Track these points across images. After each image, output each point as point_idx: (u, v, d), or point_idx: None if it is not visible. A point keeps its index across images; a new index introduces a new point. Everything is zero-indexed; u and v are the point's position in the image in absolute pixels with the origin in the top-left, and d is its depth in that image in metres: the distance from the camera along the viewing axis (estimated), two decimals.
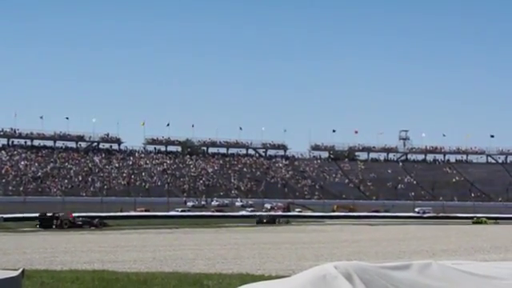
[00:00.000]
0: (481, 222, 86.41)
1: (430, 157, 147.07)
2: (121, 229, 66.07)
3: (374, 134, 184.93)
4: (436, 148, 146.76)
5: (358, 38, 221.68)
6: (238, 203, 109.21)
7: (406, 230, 67.04)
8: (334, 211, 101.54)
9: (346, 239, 49.33)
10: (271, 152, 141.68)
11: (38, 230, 63.78)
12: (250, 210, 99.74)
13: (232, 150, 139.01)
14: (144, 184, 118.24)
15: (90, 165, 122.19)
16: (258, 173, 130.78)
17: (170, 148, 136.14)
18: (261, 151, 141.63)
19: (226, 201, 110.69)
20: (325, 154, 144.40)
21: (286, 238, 49.80)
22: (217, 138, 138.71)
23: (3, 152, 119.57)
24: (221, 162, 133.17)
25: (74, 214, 74.02)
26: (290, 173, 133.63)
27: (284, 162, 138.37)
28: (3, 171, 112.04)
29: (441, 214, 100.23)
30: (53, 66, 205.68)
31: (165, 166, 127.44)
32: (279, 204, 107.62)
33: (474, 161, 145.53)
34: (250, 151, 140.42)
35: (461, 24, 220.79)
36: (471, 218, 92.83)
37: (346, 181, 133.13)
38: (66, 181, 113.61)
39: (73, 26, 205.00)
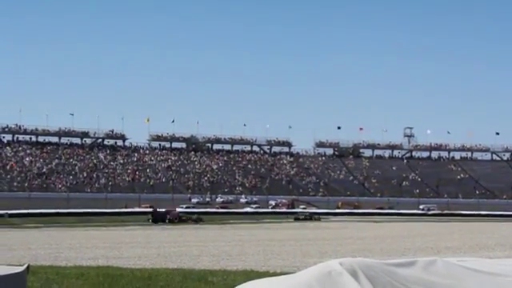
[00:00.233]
0: None
1: (434, 154, 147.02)
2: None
3: (378, 130, 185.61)
4: (441, 145, 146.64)
5: (362, 35, 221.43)
6: (243, 200, 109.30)
7: (411, 227, 67.05)
8: (338, 208, 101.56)
9: (350, 236, 49.31)
10: (276, 149, 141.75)
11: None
12: (254, 206, 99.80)
13: (237, 147, 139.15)
14: (149, 180, 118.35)
15: (94, 161, 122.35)
16: (263, 169, 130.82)
17: (175, 144, 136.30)
18: (265, 148, 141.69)
19: (231, 197, 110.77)
20: (329, 151, 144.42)
21: (290, 235, 49.79)
22: (221, 135, 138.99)
23: (8, 148, 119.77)
24: (225, 158, 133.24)
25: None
26: (295, 169, 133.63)
27: (288, 158, 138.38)
28: (8, 167, 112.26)
29: (445, 211, 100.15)
30: (58, 62, 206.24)
31: (169, 163, 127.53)
32: (284, 201, 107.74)
33: (479, 158, 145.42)
34: (255, 148, 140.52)
35: (466, 21, 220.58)
36: (476, 215, 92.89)
37: (351, 178, 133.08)
38: (71, 177, 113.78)
39: (78, 23, 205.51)
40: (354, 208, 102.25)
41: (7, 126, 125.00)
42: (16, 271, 6.78)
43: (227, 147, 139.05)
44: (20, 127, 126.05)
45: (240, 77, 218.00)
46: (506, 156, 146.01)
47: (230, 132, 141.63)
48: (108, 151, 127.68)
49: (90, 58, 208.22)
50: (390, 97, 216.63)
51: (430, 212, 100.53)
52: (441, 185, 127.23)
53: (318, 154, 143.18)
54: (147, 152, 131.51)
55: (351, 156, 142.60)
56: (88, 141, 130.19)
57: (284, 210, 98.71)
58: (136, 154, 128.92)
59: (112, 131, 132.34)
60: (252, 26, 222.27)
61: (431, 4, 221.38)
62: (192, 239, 44.09)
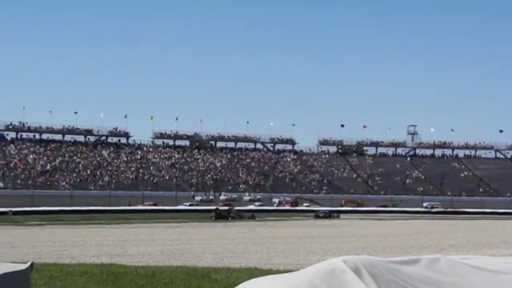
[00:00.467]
0: None
1: (438, 152, 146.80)
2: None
3: (382, 128, 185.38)
4: (444, 143, 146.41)
5: (366, 33, 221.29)
6: (246, 197, 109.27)
7: (414, 224, 67.05)
8: (341, 206, 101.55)
9: (354, 234, 49.33)
10: (279, 146, 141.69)
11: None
12: (258, 204, 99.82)
13: (240, 145, 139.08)
14: (152, 178, 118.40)
15: (98, 159, 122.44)
16: (266, 167, 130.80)
17: (179, 142, 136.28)
18: (269, 146, 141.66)
19: (234, 195, 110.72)
20: (333, 149, 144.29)
21: (293, 233, 49.82)
22: (225, 133, 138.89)
23: (12, 145, 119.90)
24: (229, 156, 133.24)
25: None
26: (298, 167, 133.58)
27: (292, 156, 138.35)
28: (12, 165, 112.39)
29: (449, 209, 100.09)
30: (61, 60, 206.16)
31: (173, 160, 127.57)
32: (287, 198, 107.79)
33: (483, 156, 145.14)
34: (258, 145, 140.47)
35: (469, 19, 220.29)
36: (480, 213, 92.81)
37: (354, 175, 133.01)
38: (75, 175, 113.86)
39: (81, 21, 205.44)
40: (358, 206, 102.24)
41: (11, 124, 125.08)
42: (20, 269, 6.80)
43: (231, 145, 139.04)
44: (24, 125, 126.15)
45: (243, 75, 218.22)
46: (510, 154, 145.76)
47: (233, 130, 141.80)
48: (111, 149, 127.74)
49: (94, 55, 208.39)
50: (393, 94, 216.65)
51: (434, 210, 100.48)
52: (444, 182, 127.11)
53: (322, 151, 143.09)
54: (151, 150, 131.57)
55: (355, 154, 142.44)
56: (91, 138, 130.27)
57: (288, 207, 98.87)
58: (139, 152, 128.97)
59: (115, 129, 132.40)
60: (255, 24, 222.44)
61: (434, 1, 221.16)
62: (195, 237, 44.14)
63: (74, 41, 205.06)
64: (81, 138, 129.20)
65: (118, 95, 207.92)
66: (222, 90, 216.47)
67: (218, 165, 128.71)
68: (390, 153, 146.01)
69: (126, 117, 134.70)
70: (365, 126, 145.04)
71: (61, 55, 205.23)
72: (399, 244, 38.29)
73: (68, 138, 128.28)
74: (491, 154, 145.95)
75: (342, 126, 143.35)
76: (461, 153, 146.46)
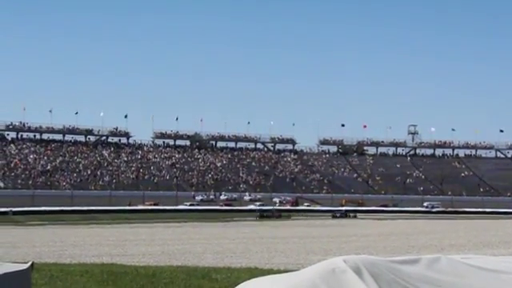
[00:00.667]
0: None
1: (438, 151, 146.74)
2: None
3: (382, 128, 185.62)
4: (445, 142, 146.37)
5: (367, 32, 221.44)
6: (247, 197, 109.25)
7: (415, 224, 67.05)
8: (342, 205, 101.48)
9: (354, 233, 49.35)
10: (280, 146, 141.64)
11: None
12: (258, 204, 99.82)
13: (240, 144, 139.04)
14: (152, 178, 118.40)
15: (98, 158, 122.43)
16: (267, 167, 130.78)
17: (179, 142, 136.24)
18: (269, 145, 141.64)
19: (235, 195, 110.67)
20: (333, 149, 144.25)
21: (294, 233, 49.84)
22: (225, 132, 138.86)
23: (12, 145, 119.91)
24: (229, 156, 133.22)
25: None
26: (299, 167, 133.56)
27: (292, 156, 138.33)
28: (12, 165, 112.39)
29: (449, 209, 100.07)
30: (62, 60, 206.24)
31: (173, 160, 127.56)
32: (288, 198, 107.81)
33: (483, 155, 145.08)
34: (259, 145, 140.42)
35: (470, 18, 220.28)
36: (480, 212, 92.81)
37: (355, 175, 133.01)
38: (75, 174, 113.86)
39: (81, 21, 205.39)
40: (358, 205, 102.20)
41: (11, 124, 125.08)
42: (20, 268, 6.81)
43: (231, 145, 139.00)
44: (24, 125, 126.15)
45: (244, 74, 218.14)
46: (510, 153, 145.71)
47: (233, 129, 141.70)
48: (112, 149, 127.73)
49: (94, 55, 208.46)
50: (393, 94, 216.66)
51: (434, 209, 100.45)
52: (445, 182, 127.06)
53: (322, 151, 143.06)
54: (151, 149, 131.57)
55: (355, 153, 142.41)
56: (92, 138, 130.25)
57: (288, 207, 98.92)
58: (140, 152, 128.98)
59: (116, 129, 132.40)
60: (255, 22, 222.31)
61: (434, 0, 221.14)
62: (196, 237, 44.15)
63: (74, 41, 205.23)
64: (81, 138, 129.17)
65: (119, 95, 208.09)
66: (222, 90, 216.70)
67: (219, 165, 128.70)
68: (391, 152, 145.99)
69: (126, 117, 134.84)
70: (365, 126, 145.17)
71: (61, 55, 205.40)
72: (400, 244, 38.31)
73: (68, 137, 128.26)
74: (492, 154, 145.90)
75: (343, 125, 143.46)
76: (461, 152, 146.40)
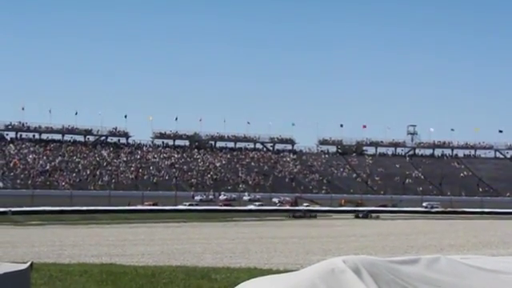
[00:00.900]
0: None
1: (438, 151, 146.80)
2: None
3: (381, 128, 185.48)
4: (444, 143, 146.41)
5: (366, 32, 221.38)
6: (246, 197, 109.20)
7: (414, 224, 67.05)
8: (341, 206, 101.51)
9: (353, 234, 49.35)
10: (279, 146, 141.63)
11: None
12: (257, 204, 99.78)
13: (240, 144, 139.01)
14: (152, 178, 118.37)
15: (97, 158, 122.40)
16: (266, 167, 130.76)
17: (178, 142, 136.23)
18: (268, 145, 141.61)
19: (234, 195, 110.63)
20: (333, 149, 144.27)
21: (293, 233, 49.83)
22: (224, 132, 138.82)
23: (11, 145, 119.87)
24: (228, 156, 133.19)
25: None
26: (298, 167, 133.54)
27: (292, 156, 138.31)
28: (11, 164, 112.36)
29: (449, 209, 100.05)
30: (61, 59, 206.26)
31: (172, 160, 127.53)
32: (287, 198, 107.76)
33: (483, 156, 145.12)
34: (258, 145, 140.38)
35: (469, 18, 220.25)
36: (479, 213, 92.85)
37: (354, 175, 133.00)
38: (74, 174, 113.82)
39: (80, 20, 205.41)
40: (357, 205, 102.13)
41: (10, 124, 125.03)
42: (20, 268, 6.80)
43: (230, 145, 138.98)
44: (23, 124, 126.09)
45: (243, 74, 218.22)
46: (510, 154, 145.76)
47: (233, 129, 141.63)
48: (111, 149, 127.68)
49: (93, 55, 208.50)
50: (393, 94, 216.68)
51: (434, 210, 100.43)
52: (444, 182, 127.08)
53: (321, 151, 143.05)
54: (150, 149, 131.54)
55: (354, 153, 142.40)
56: (91, 138, 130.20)
57: (287, 207, 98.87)
58: (139, 152, 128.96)
59: (115, 129, 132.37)
60: (254, 22, 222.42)
61: (434, 0, 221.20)
62: (195, 237, 44.14)
63: (74, 40, 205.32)
64: (80, 138, 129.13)
65: (118, 95, 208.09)
66: (221, 90, 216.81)
67: (218, 165, 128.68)
68: (390, 153, 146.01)
69: (125, 117, 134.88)
70: (364, 126, 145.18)
71: (60, 55, 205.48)
72: (399, 244, 38.32)
73: (67, 137, 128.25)
74: (491, 154, 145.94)
75: (342, 125, 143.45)
76: (460, 153, 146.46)
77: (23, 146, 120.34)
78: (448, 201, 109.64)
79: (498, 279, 5.39)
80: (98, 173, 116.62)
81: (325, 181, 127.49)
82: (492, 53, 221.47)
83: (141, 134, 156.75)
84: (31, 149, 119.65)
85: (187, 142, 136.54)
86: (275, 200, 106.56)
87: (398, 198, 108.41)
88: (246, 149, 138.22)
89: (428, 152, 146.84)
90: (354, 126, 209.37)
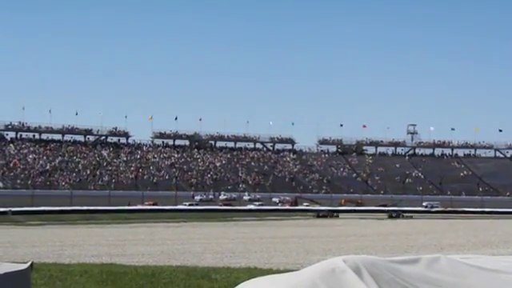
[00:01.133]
0: None
1: (438, 151, 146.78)
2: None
3: (381, 128, 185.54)
4: (444, 142, 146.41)
5: (365, 32, 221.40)
6: (246, 197, 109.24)
7: (414, 224, 67.03)
8: (341, 205, 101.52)
9: (353, 233, 49.35)
10: (279, 146, 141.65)
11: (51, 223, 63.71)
12: (257, 204, 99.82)
13: (240, 144, 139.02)
14: (152, 178, 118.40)
15: (97, 158, 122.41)
16: (266, 167, 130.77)
17: (178, 142, 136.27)
18: (268, 145, 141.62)
19: (234, 195, 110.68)
20: (332, 148, 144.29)
21: (293, 232, 49.82)
22: (224, 132, 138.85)
23: (11, 145, 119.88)
24: (228, 155, 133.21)
25: None
26: (298, 167, 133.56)
27: (292, 155, 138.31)
28: (11, 164, 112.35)
29: (449, 209, 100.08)
30: (61, 59, 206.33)
31: (172, 160, 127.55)
32: (287, 198, 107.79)
33: (483, 155, 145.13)
34: (258, 145, 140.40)
35: (469, 17, 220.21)
36: (479, 212, 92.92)
37: (354, 175, 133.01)
38: (74, 174, 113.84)
39: (81, 20, 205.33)
40: (357, 205, 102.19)
41: (10, 124, 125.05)
42: (20, 268, 6.80)
43: (230, 144, 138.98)
44: (23, 124, 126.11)
45: (243, 74, 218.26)
46: (510, 153, 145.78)
47: (232, 129, 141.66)
48: (111, 148, 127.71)
49: (93, 55, 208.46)
50: (392, 94, 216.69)
51: (434, 209, 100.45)
52: (444, 182, 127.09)
53: (321, 151, 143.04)
54: (150, 149, 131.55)
55: (354, 153, 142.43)
56: (91, 138, 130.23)
57: (287, 207, 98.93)
58: (139, 152, 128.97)
59: (115, 128, 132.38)
60: (255, 22, 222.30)
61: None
62: (195, 236, 44.13)
63: (74, 40, 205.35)
64: (80, 138, 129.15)
65: (118, 95, 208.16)
66: (221, 90, 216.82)
67: (218, 164, 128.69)
68: (390, 152, 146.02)
69: (125, 117, 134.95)
70: (364, 126, 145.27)
71: (60, 54, 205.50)
72: (399, 243, 38.32)
73: (67, 137, 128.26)
74: (491, 154, 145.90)
75: (342, 125, 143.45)
76: (460, 152, 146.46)
77: (23, 146, 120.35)
78: (448, 200, 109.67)
79: (499, 279, 5.39)
80: (97, 173, 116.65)
81: (325, 180, 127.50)
82: (492, 53, 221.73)
83: (141, 134, 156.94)
84: (31, 149, 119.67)
85: (187, 142, 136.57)
86: (275, 200, 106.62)
87: (398, 198, 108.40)
88: (246, 148, 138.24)
89: (428, 151, 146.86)
90: (353, 125, 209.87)
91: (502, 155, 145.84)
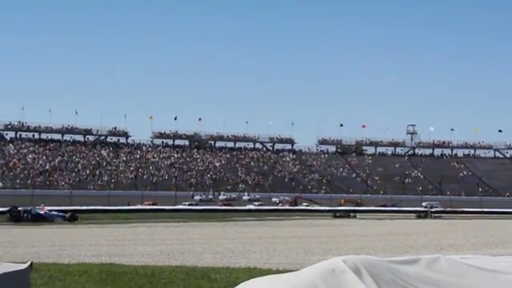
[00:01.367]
0: None
1: (437, 151, 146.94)
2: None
3: (381, 128, 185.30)
4: (444, 142, 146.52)
5: (365, 32, 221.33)
6: (245, 197, 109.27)
7: (414, 224, 67.00)
8: (341, 205, 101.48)
9: (353, 233, 49.27)
10: (278, 146, 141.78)
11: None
12: (257, 204, 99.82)
13: (239, 144, 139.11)
14: (151, 178, 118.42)
15: (97, 158, 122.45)
16: (266, 167, 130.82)
17: (178, 142, 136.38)
18: (268, 145, 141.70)
19: (234, 195, 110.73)
20: (332, 148, 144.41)
21: (293, 233, 49.77)
22: (224, 132, 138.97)
23: (11, 145, 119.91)
24: (228, 155, 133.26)
25: None
26: (298, 167, 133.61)
27: (291, 156, 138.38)
28: (11, 164, 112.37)
29: (448, 209, 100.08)
30: (61, 59, 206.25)
31: (172, 160, 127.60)
32: (286, 198, 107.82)
33: (482, 155, 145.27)
34: (258, 145, 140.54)
35: (467, 17, 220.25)
36: (479, 212, 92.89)
37: (354, 175, 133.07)
38: (74, 174, 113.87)
39: (81, 20, 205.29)
40: (357, 205, 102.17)
41: (10, 123, 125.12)
42: (19, 268, 6.79)
43: (230, 144, 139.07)
44: (23, 124, 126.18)
45: (242, 74, 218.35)
46: (509, 153, 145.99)
47: (232, 129, 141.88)
48: (111, 148, 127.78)
49: (93, 55, 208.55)
50: (392, 94, 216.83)
51: (433, 209, 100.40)
52: (443, 182, 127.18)
53: (321, 151, 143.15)
54: (150, 149, 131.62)
55: (354, 153, 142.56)
56: (91, 138, 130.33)
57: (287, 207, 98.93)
58: (139, 152, 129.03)
59: (115, 128, 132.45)
60: (254, 22, 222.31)
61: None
62: (195, 236, 44.08)
63: (74, 40, 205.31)
64: (80, 138, 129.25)
65: (118, 95, 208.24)
66: (220, 90, 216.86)
67: (217, 164, 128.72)
68: (390, 152, 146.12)
69: (125, 116, 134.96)
70: (364, 126, 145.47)
71: (60, 54, 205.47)
72: (398, 244, 38.25)
73: (67, 137, 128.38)
74: (490, 154, 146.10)
75: (341, 125, 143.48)
76: (460, 152, 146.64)
77: (23, 145, 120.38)
78: (448, 200, 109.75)
79: (498, 279, 5.39)
80: (97, 172, 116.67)
81: (324, 180, 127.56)
82: (492, 53, 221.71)
83: (140, 134, 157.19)
84: (31, 148, 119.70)
85: (187, 142, 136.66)
86: (275, 200, 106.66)
87: (397, 198, 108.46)
88: (246, 148, 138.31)
89: (428, 152, 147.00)
90: (353, 125, 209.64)
91: (501, 155, 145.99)
